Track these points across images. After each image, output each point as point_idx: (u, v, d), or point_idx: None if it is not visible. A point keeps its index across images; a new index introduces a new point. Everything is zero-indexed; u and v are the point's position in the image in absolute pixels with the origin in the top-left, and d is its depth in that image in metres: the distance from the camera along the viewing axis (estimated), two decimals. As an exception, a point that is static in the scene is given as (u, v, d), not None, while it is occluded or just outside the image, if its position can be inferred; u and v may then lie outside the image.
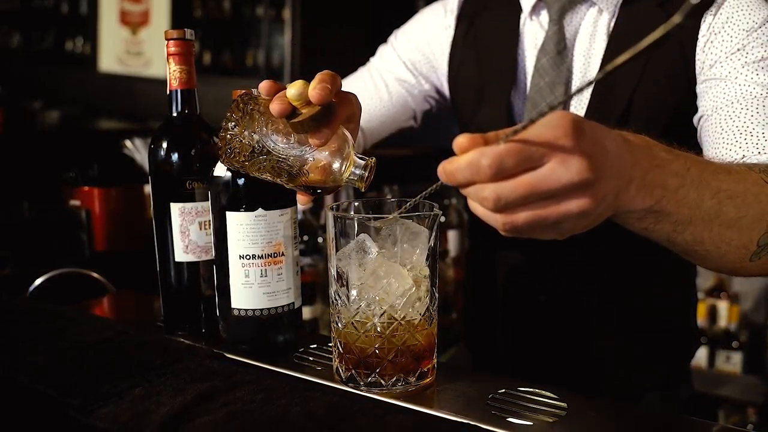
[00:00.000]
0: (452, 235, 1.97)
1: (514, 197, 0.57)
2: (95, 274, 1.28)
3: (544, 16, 1.14)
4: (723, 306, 2.71)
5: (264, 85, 0.81)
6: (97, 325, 0.98)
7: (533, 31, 1.16)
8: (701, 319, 2.71)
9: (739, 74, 0.98)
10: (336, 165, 0.80)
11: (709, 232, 0.73)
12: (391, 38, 1.34)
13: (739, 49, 0.99)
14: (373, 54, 1.36)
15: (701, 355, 2.67)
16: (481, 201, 0.59)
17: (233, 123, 0.79)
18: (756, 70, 0.98)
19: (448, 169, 0.59)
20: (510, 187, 0.57)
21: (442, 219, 1.98)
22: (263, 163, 0.80)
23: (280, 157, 0.80)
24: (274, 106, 0.77)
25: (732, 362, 2.63)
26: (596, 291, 1.15)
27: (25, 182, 1.61)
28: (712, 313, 2.73)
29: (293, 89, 0.77)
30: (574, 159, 0.57)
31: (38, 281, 1.23)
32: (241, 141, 0.79)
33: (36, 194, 1.53)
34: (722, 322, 2.71)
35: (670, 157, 0.68)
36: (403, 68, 1.29)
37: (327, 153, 0.80)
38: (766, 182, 0.78)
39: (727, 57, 1.00)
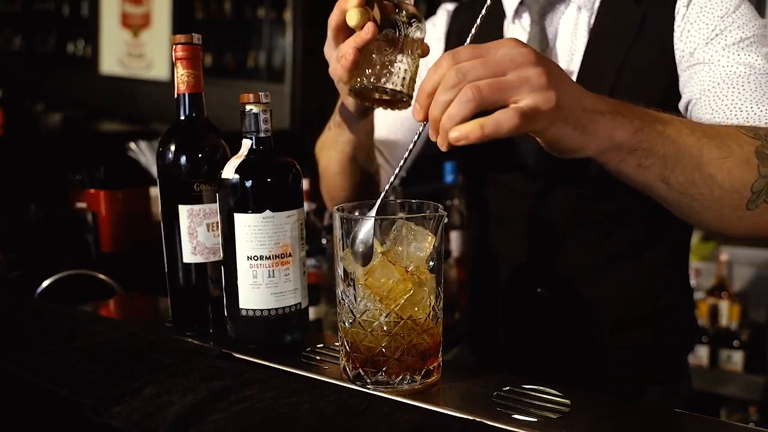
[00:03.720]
0: (455, 236, 1.99)
1: (472, 66, 0.67)
2: (102, 276, 1.30)
3: (526, 18, 1.18)
4: (724, 305, 2.72)
5: None
6: (108, 325, 1.00)
7: (516, 34, 1.20)
8: (703, 318, 2.73)
9: (721, 57, 1.02)
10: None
11: (699, 172, 0.77)
12: None
13: (717, 34, 1.03)
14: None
15: (703, 354, 2.68)
16: (446, 84, 0.68)
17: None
18: (737, 51, 1.01)
19: (419, 93, 0.71)
20: (468, 62, 0.67)
21: (445, 220, 1.99)
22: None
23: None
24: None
25: (733, 361, 2.65)
26: (595, 286, 1.16)
27: (31, 185, 1.63)
28: (714, 312, 2.74)
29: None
30: (521, 45, 0.68)
31: (45, 283, 1.24)
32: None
33: (43, 197, 1.54)
34: (723, 321, 2.72)
35: (638, 107, 0.77)
36: None
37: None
38: (744, 134, 0.81)
39: (706, 43, 1.03)
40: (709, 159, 0.77)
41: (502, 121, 0.67)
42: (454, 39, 1.29)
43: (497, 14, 1.22)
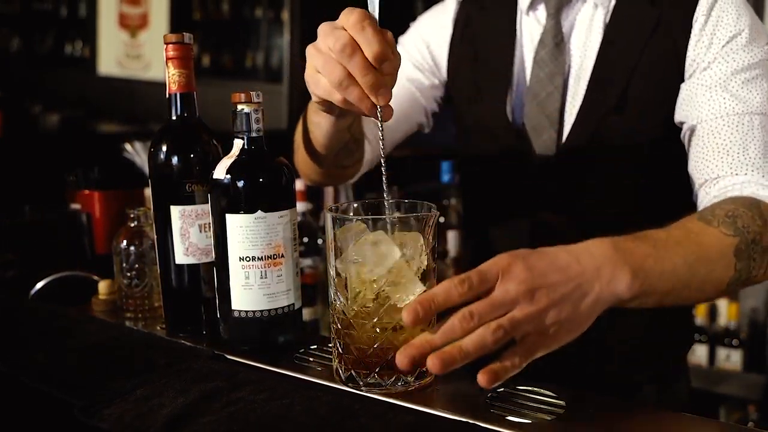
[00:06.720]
0: (451, 236, 1.98)
1: (483, 309, 0.68)
2: (96, 277, 1.29)
3: (542, 11, 1.18)
4: (723, 304, 2.71)
5: None
6: (102, 326, 0.99)
7: (530, 27, 1.20)
8: (701, 317, 2.72)
9: (726, 84, 1.02)
10: None
11: (687, 290, 0.82)
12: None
13: (723, 57, 1.03)
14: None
15: (701, 353, 2.67)
16: (462, 321, 0.68)
17: None
18: (742, 82, 1.02)
19: (422, 303, 0.68)
20: (477, 304, 0.69)
21: (441, 219, 1.98)
22: None
23: None
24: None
25: (732, 360, 2.64)
26: None
27: (26, 185, 1.62)
28: (713, 311, 2.73)
29: None
30: (517, 270, 0.69)
31: (39, 284, 1.24)
32: None
33: (38, 197, 1.53)
34: (722, 320, 2.71)
35: (634, 244, 0.78)
36: (412, 67, 1.31)
37: None
38: (725, 234, 0.85)
39: (715, 60, 1.03)
40: (698, 281, 0.82)
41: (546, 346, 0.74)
42: (459, 26, 1.27)
43: (509, 6, 1.22)
